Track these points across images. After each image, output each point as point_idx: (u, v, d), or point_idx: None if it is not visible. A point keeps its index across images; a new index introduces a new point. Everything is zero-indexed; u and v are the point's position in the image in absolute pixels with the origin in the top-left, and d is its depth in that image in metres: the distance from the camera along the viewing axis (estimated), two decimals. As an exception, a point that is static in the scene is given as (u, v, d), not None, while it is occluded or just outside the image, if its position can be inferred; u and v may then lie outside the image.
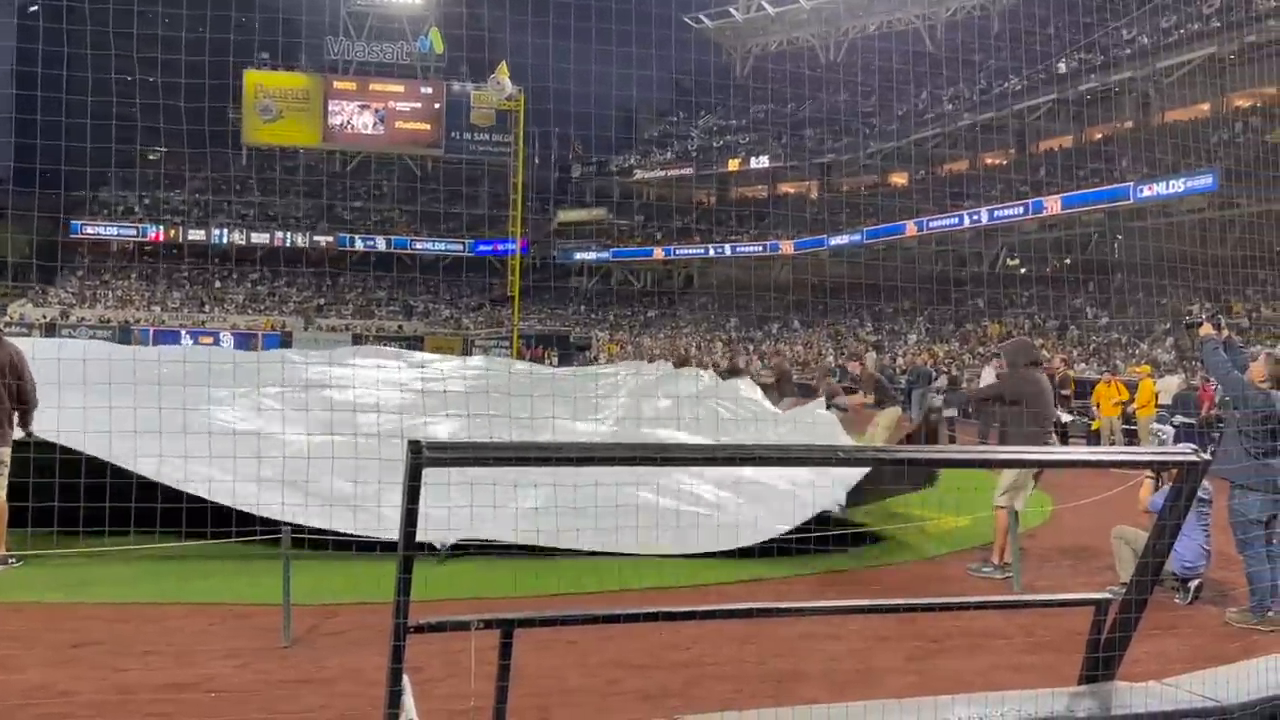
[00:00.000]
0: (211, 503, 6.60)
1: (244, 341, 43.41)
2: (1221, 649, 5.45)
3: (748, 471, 7.35)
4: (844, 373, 22.95)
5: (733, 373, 19.50)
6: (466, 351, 40.01)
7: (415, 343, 43.74)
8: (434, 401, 9.04)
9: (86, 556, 6.66)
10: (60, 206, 47.82)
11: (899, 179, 51.03)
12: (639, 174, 60.08)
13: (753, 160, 55.69)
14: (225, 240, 55.91)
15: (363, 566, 6.24)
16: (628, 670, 4.88)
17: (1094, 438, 16.64)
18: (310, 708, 4.40)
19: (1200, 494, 5.98)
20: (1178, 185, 32.62)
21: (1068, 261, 40.55)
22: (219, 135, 50.18)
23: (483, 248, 57.46)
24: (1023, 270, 43.17)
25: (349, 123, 58.73)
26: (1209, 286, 26.87)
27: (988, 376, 14.54)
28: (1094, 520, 8.48)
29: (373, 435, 7.67)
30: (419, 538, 1.97)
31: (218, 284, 55.34)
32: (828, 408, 10.77)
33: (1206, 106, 36.83)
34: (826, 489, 7.35)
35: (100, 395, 6.20)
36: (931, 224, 42.97)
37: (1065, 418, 16.54)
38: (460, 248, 57.74)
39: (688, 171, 57.69)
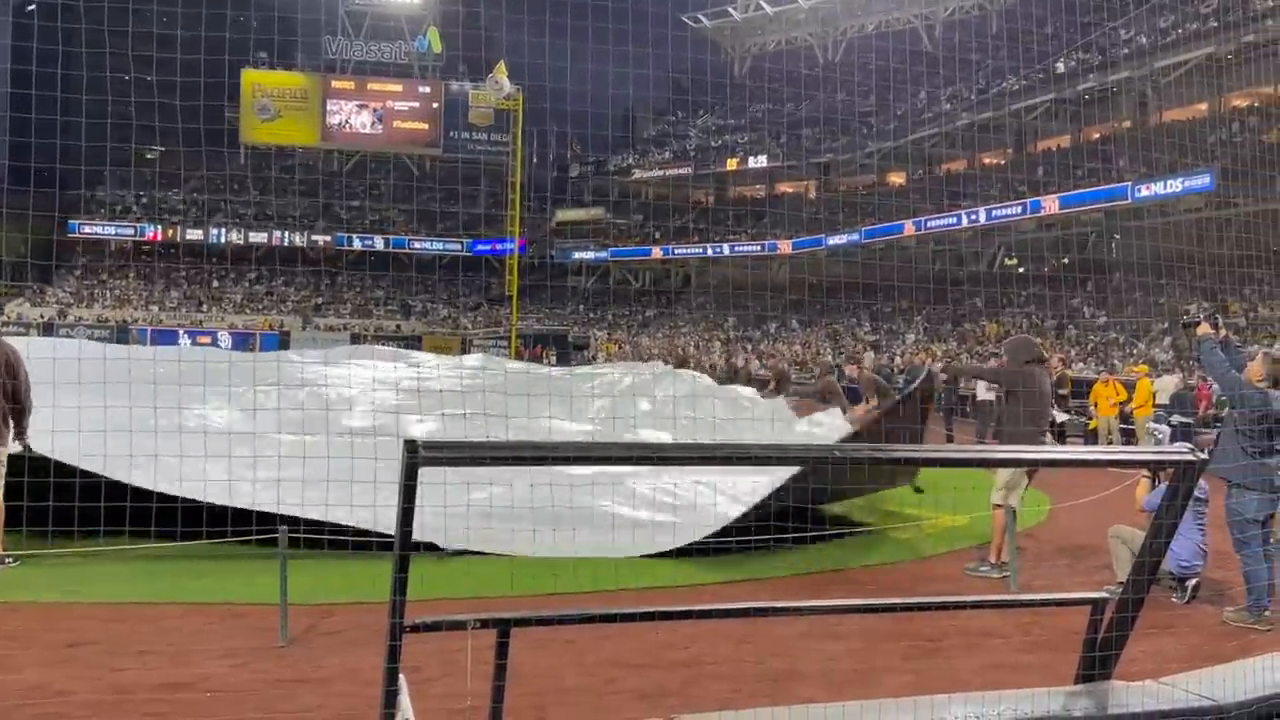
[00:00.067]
0: (207, 503, 6.59)
1: (242, 341, 43.42)
2: (1218, 648, 5.45)
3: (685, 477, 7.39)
4: (840, 374, 22.93)
5: (732, 374, 19.52)
6: (465, 351, 39.99)
7: (413, 342, 43.73)
8: (415, 401, 9.05)
9: (83, 556, 6.66)
10: (55, 205, 47.72)
11: (897, 178, 51.04)
12: (637, 173, 60.06)
13: (751, 160, 55.68)
14: (223, 240, 55.86)
15: (359, 566, 6.23)
16: (625, 669, 4.88)
17: (1091, 437, 16.66)
18: (307, 707, 4.39)
19: (1196, 493, 5.98)
20: (1175, 185, 32.64)
21: (1065, 261, 40.56)
22: (217, 134, 50.17)
23: (481, 247, 57.45)
24: (1021, 270, 43.20)
25: (347, 122, 58.69)
26: (1206, 286, 26.89)
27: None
28: (1091, 519, 8.49)
29: (358, 435, 7.70)
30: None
31: (215, 283, 55.28)
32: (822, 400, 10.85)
33: (1204, 106, 36.85)
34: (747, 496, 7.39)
35: (95, 396, 6.20)
36: (930, 223, 42.98)
37: (1061, 417, 16.57)
38: (458, 247, 57.71)
39: (686, 171, 57.68)
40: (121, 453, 6.36)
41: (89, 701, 4.38)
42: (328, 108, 58.05)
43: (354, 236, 57.33)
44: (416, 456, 1.90)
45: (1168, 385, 17.51)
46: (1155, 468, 6.23)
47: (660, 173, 58.91)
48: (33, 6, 53.68)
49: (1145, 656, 4.77)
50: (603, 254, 58.29)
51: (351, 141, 59.59)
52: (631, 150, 62.35)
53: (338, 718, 4.29)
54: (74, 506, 5.93)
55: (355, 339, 45.43)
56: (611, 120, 60.44)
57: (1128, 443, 15.04)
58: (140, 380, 6.86)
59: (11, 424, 6.89)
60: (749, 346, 39.04)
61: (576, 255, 59.00)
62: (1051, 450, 6.65)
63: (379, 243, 57.34)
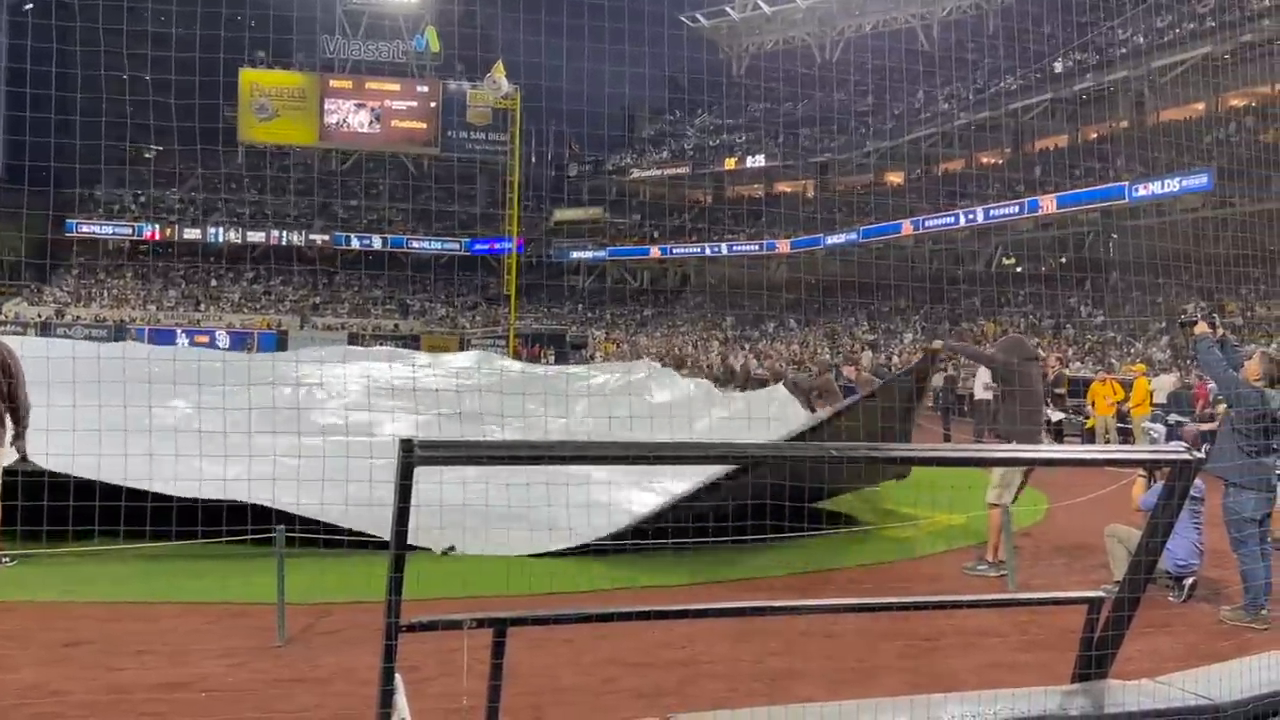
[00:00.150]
0: (201, 502, 6.59)
1: (240, 340, 43.41)
2: (1215, 647, 5.46)
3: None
4: (838, 373, 22.89)
5: (729, 374, 19.51)
6: (462, 350, 39.95)
7: (411, 341, 43.75)
8: (399, 402, 9.07)
9: (80, 555, 6.65)
10: (50, 204, 47.68)
11: (895, 178, 51.05)
12: (635, 173, 60.05)
13: (749, 159, 55.67)
14: (221, 239, 55.80)
15: (357, 565, 6.23)
16: (622, 669, 4.88)
17: (1089, 436, 16.68)
18: (304, 707, 4.39)
19: (1193, 492, 5.98)
20: (1173, 185, 32.67)
21: (1063, 260, 40.60)
22: (215, 133, 50.11)
23: (479, 246, 57.43)
24: (1018, 269, 43.22)
25: (345, 121, 58.64)
26: (1203, 285, 26.91)
27: (984, 376, 14.55)
28: (1088, 519, 8.49)
29: (332, 434, 7.72)
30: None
31: (213, 283, 55.21)
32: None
33: (1201, 106, 36.89)
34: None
35: (89, 396, 6.20)
36: (927, 223, 43.00)
37: (1056, 416, 16.58)
38: (456, 246, 57.66)
39: (684, 170, 57.67)
40: (115, 452, 6.36)
41: (86, 701, 4.37)
42: (325, 107, 58.00)
43: (352, 236, 57.29)
44: (412, 456, 1.90)
45: (1165, 384, 17.51)
46: (1151, 467, 6.24)
47: (658, 172, 58.89)
48: (30, 5, 53.59)
49: (1142, 655, 4.77)
50: (601, 253, 58.28)
51: (349, 141, 59.54)
52: (629, 149, 62.35)
53: (335, 717, 4.29)
54: (69, 507, 5.93)
55: (353, 338, 45.42)
56: (609, 119, 60.37)
57: (1125, 442, 15.05)
58: (134, 379, 6.87)
59: (10, 424, 6.89)
60: (746, 346, 39.03)
61: (574, 255, 58.99)
62: (1049, 449, 6.65)
63: (377, 242, 57.30)
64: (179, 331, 46.08)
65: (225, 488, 6.57)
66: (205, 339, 44.14)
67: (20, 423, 6.90)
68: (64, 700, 4.38)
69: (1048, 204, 37.65)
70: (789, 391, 12.11)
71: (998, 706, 2.47)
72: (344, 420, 8.70)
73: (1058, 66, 40.98)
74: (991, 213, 40.43)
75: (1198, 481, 6.22)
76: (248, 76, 56.33)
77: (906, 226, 43.43)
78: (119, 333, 42.76)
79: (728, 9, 57.75)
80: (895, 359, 31.82)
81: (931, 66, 46.74)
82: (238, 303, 54.61)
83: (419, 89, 59.11)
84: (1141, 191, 33.72)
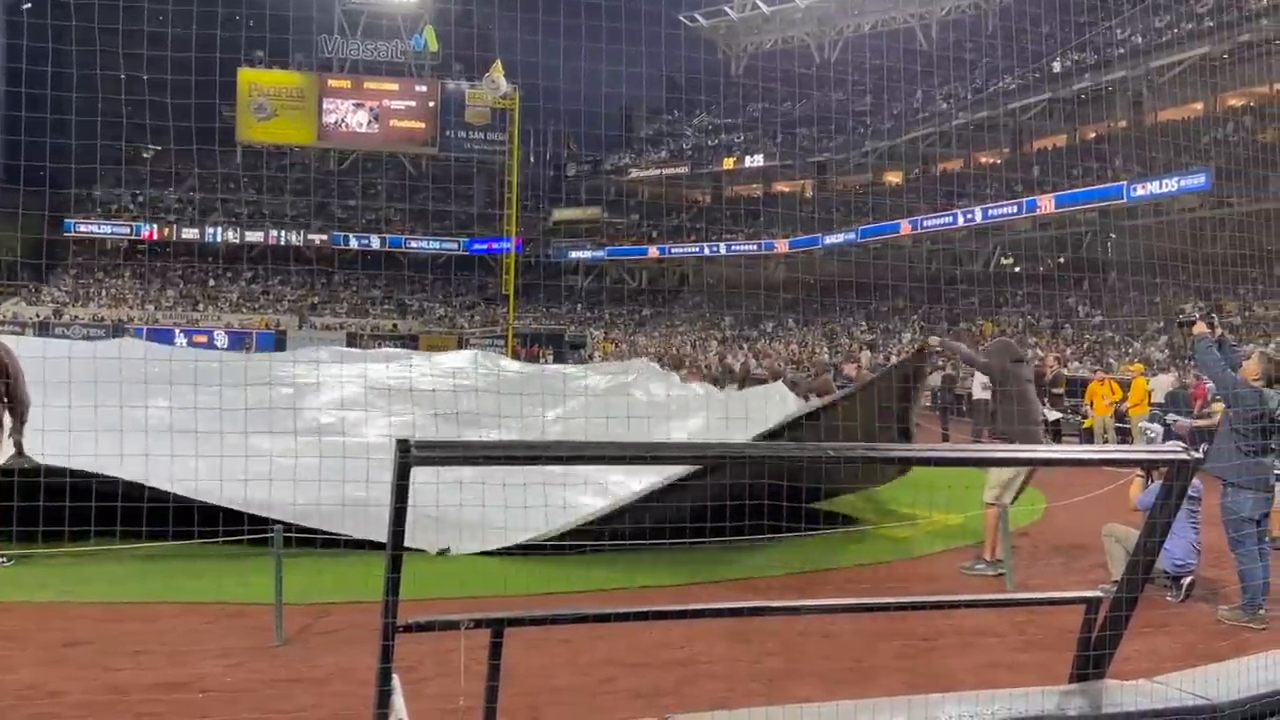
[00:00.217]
0: (198, 502, 6.59)
1: (238, 340, 43.40)
2: (1212, 647, 5.46)
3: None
4: (836, 372, 22.88)
5: (727, 373, 19.48)
6: (460, 350, 39.93)
7: (410, 341, 43.76)
8: (384, 400, 9.06)
9: (77, 556, 6.64)
10: (46, 204, 47.61)
11: (893, 178, 51.08)
12: (634, 172, 60.05)
13: (747, 159, 55.69)
14: (219, 239, 55.77)
15: (355, 565, 6.22)
16: (620, 669, 4.88)
17: (1087, 436, 16.68)
18: (302, 707, 4.39)
19: (1190, 491, 5.99)
20: (1171, 184, 32.71)
21: (1061, 260, 40.64)
22: (213, 133, 50.09)
23: (477, 246, 57.41)
24: (1017, 269, 43.25)
25: (343, 121, 58.62)
26: (1201, 285, 26.94)
27: (982, 376, 14.53)
28: (1087, 518, 8.50)
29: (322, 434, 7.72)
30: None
31: (212, 282, 55.18)
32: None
33: (1199, 106, 36.92)
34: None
35: (85, 396, 6.19)
36: (926, 223, 43.03)
37: (1053, 415, 16.58)
38: (455, 246, 57.66)
39: (682, 170, 57.67)
40: (111, 452, 6.36)
41: (83, 702, 4.37)
42: (324, 106, 57.97)
43: (350, 236, 57.27)
44: (409, 456, 1.90)
45: (1163, 384, 17.52)
46: (1149, 466, 6.24)
47: (657, 172, 58.88)
48: (28, 4, 53.54)
49: (1140, 655, 4.78)
50: (599, 253, 58.29)
51: (348, 140, 59.52)
52: (628, 149, 62.35)
53: (333, 717, 4.28)
54: (64, 507, 5.92)
55: (351, 338, 45.45)
56: (608, 119, 60.42)
57: (1123, 442, 15.06)
58: (131, 380, 6.86)
59: (9, 420, 6.89)
60: (745, 346, 39.04)
61: (573, 254, 59.00)
62: (1047, 449, 6.65)
63: (375, 242, 57.28)
64: (177, 331, 46.06)
65: (221, 489, 6.57)
66: (203, 339, 44.14)
67: (20, 419, 6.90)
68: (61, 701, 4.37)
69: (1046, 204, 37.68)
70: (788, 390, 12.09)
71: (995, 707, 2.46)
72: (319, 422, 8.68)
73: (1056, 66, 41.01)
74: (990, 212, 40.46)
75: (1195, 481, 6.23)
76: (246, 76, 56.30)
77: (905, 226, 43.46)
78: (117, 332, 42.70)
79: (726, 9, 57.76)
80: (894, 359, 31.81)
81: (930, 66, 46.74)
82: (236, 303, 54.58)
83: (417, 89, 59.10)
84: (1140, 191, 33.75)
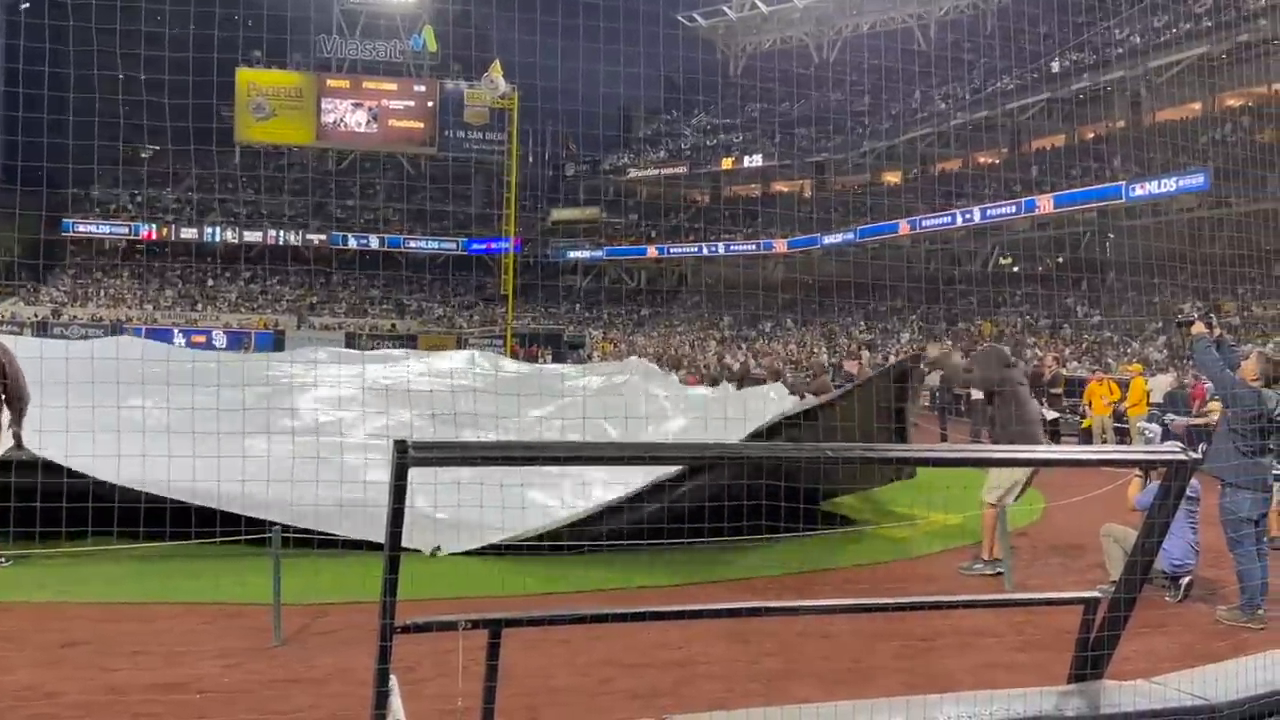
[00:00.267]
0: (196, 505, 6.59)
1: (237, 340, 43.39)
2: (1210, 647, 5.46)
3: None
4: (836, 371, 22.92)
5: (727, 373, 19.47)
6: (459, 349, 39.92)
7: (409, 341, 43.76)
8: (379, 401, 9.04)
9: (74, 556, 6.64)
10: (43, 204, 47.54)
11: (892, 178, 51.09)
12: (632, 172, 60.05)
13: (746, 159, 55.70)
14: (218, 238, 55.74)
15: (353, 566, 6.22)
16: (618, 669, 4.88)
17: (1086, 436, 16.69)
18: (300, 707, 4.38)
19: (1188, 491, 5.99)
20: (1169, 184, 32.72)
21: (1060, 260, 40.66)
22: (211, 133, 50.01)
23: (476, 246, 57.40)
24: (1015, 269, 43.27)
25: (342, 121, 58.59)
26: (1200, 285, 26.95)
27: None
28: (1085, 518, 8.50)
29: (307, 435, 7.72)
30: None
31: (210, 282, 55.15)
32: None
33: (1198, 106, 36.94)
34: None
35: (83, 396, 6.19)
36: (924, 223, 43.04)
37: (1051, 415, 16.59)
38: (453, 246, 57.65)
39: (681, 170, 57.67)
40: (108, 452, 6.35)
41: (81, 702, 4.36)
42: (322, 106, 57.94)
43: (349, 235, 57.25)
44: (406, 457, 1.89)
45: (1162, 384, 17.54)
46: (1147, 466, 6.24)
47: (655, 172, 58.89)
48: (26, 4, 53.49)
49: (1138, 655, 4.78)
50: (598, 253, 58.29)
51: (346, 140, 59.49)
52: (627, 149, 62.35)
53: (332, 718, 4.28)
54: (61, 508, 5.91)
55: (350, 338, 45.42)
56: (606, 119, 60.36)
57: (1122, 442, 15.06)
58: (128, 380, 6.86)
59: (8, 415, 6.90)
60: (743, 346, 39.05)
61: (572, 254, 59.00)
62: (1045, 450, 6.65)
63: (374, 242, 57.26)
64: (176, 331, 46.03)
65: (218, 489, 6.56)
66: (202, 339, 44.11)
67: (19, 414, 6.91)
68: (59, 701, 4.37)
69: (1044, 204, 37.69)
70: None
71: (993, 707, 2.46)
72: (316, 422, 8.66)
73: (1054, 66, 41.03)
74: (988, 212, 40.47)
75: (1193, 481, 6.23)
76: (244, 76, 56.27)
77: (903, 226, 43.47)
78: (116, 332, 42.66)
79: (725, 8, 57.77)
80: (892, 359, 31.83)
81: (928, 66, 46.76)
82: (235, 302, 54.55)
83: (416, 88, 59.08)
84: (1138, 191, 33.77)
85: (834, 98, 51.86)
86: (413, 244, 57.67)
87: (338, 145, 59.86)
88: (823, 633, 5.45)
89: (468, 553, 7.09)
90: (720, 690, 4.63)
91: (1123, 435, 15.77)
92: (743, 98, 58.75)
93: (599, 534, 7.01)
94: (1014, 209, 39.37)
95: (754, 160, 55.27)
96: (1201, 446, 9.46)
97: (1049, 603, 3.54)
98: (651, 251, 56.51)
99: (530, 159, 61.52)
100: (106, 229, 55.37)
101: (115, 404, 6.75)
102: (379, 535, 2.02)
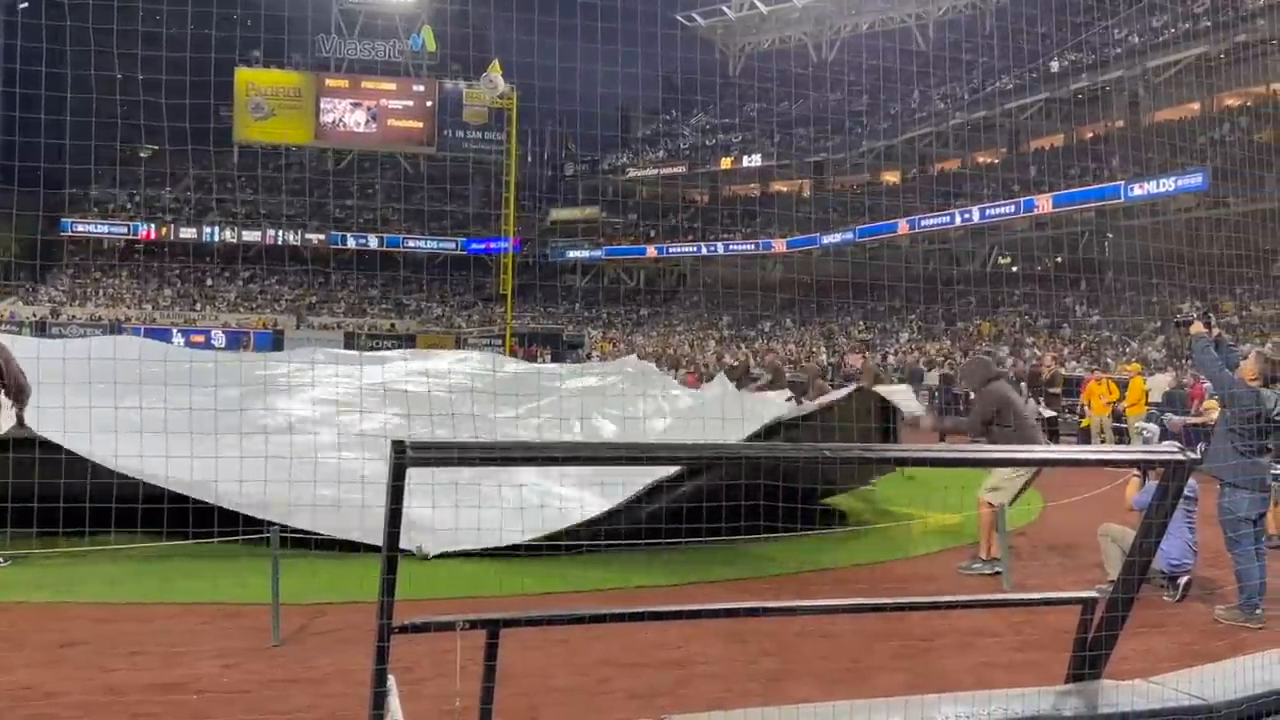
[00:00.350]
0: (194, 499, 6.59)
1: (236, 340, 43.37)
2: (1209, 647, 5.46)
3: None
4: (835, 370, 22.95)
5: (728, 371, 19.49)
6: (459, 349, 39.90)
7: (407, 341, 43.75)
8: (374, 401, 9.04)
9: (73, 556, 6.63)
10: (40, 204, 47.51)
11: (891, 177, 51.11)
12: (632, 172, 60.06)
13: (745, 159, 55.71)
14: (217, 238, 55.72)
15: (352, 566, 6.21)
16: (617, 669, 4.88)
17: (1085, 436, 16.71)
18: (299, 708, 4.38)
19: (1185, 491, 5.99)
20: (1168, 184, 32.75)
21: (1059, 260, 40.68)
22: (210, 133, 49.97)
23: (475, 246, 57.40)
24: (1014, 268, 43.30)
25: (341, 120, 58.58)
26: (1198, 285, 26.97)
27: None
28: (1084, 518, 8.50)
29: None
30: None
31: (209, 282, 55.13)
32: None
33: (1196, 106, 36.97)
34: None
35: (80, 395, 6.19)
36: (923, 222, 43.06)
37: (1048, 413, 16.61)
38: (453, 246, 57.64)
39: (680, 170, 57.68)
40: (106, 448, 6.35)
41: (80, 702, 4.36)
42: (321, 106, 57.93)
43: (348, 235, 57.24)
44: (404, 457, 1.89)
45: (1160, 384, 17.56)
46: (1145, 466, 6.24)
47: (654, 171, 58.90)
48: (24, 4, 53.46)
49: (1136, 655, 4.78)
50: (597, 253, 58.30)
51: (345, 140, 59.47)
52: (626, 149, 62.35)
53: (330, 718, 4.28)
54: (58, 508, 5.91)
55: (349, 338, 45.40)
56: (605, 119, 60.47)
57: (1120, 441, 15.07)
58: (125, 380, 6.86)
59: (7, 400, 6.90)
60: (742, 345, 39.06)
61: (571, 254, 59.00)
62: (1044, 450, 6.66)
63: (373, 241, 57.26)
64: (174, 331, 46.02)
65: (215, 480, 6.57)
66: (201, 338, 44.10)
67: (20, 402, 6.91)
68: (57, 701, 4.36)
69: (1043, 203, 37.72)
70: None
71: (992, 707, 2.47)
72: (311, 419, 8.67)
73: (1053, 66, 41.05)
74: (987, 212, 40.49)
75: (1191, 481, 6.24)
76: (243, 76, 56.25)
77: (902, 226, 43.49)
78: (115, 332, 42.63)
79: (724, 8, 57.77)
80: (890, 358, 31.84)
81: (927, 66, 46.79)
82: (234, 302, 54.54)
83: (415, 88, 59.08)
84: (1137, 191, 33.80)
85: (833, 97, 51.88)
86: (411, 244, 57.66)
87: (336, 145, 59.84)
88: (821, 632, 5.45)
89: (466, 553, 7.08)
90: (719, 690, 4.63)
91: (1121, 435, 15.79)
92: (741, 97, 58.77)
93: (597, 534, 7.01)
94: (1013, 209, 39.39)
95: (753, 160, 55.28)
96: (1200, 446, 9.47)
97: (1047, 602, 3.55)
98: (650, 251, 56.53)
99: (529, 159, 61.54)
100: (105, 229, 55.36)
101: (113, 404, 6.74)
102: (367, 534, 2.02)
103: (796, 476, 6.62)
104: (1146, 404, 15.78)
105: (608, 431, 9.28)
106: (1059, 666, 2.68)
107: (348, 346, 37.08)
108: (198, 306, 53.19)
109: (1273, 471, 6.67)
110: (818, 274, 47.12)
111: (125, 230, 55.36)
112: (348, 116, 58.58)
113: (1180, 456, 2.46)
